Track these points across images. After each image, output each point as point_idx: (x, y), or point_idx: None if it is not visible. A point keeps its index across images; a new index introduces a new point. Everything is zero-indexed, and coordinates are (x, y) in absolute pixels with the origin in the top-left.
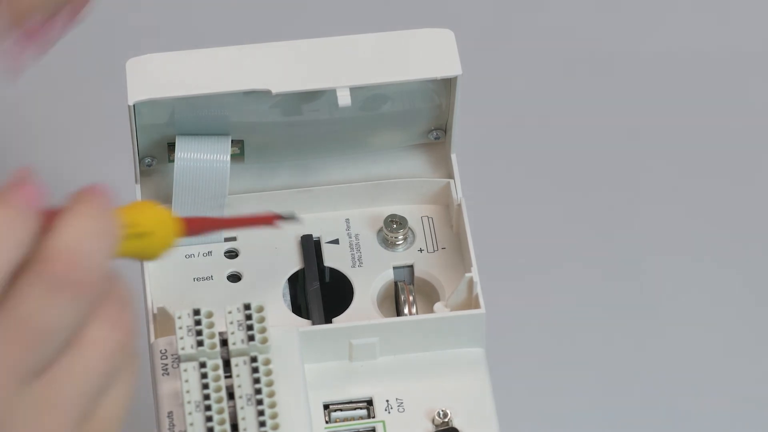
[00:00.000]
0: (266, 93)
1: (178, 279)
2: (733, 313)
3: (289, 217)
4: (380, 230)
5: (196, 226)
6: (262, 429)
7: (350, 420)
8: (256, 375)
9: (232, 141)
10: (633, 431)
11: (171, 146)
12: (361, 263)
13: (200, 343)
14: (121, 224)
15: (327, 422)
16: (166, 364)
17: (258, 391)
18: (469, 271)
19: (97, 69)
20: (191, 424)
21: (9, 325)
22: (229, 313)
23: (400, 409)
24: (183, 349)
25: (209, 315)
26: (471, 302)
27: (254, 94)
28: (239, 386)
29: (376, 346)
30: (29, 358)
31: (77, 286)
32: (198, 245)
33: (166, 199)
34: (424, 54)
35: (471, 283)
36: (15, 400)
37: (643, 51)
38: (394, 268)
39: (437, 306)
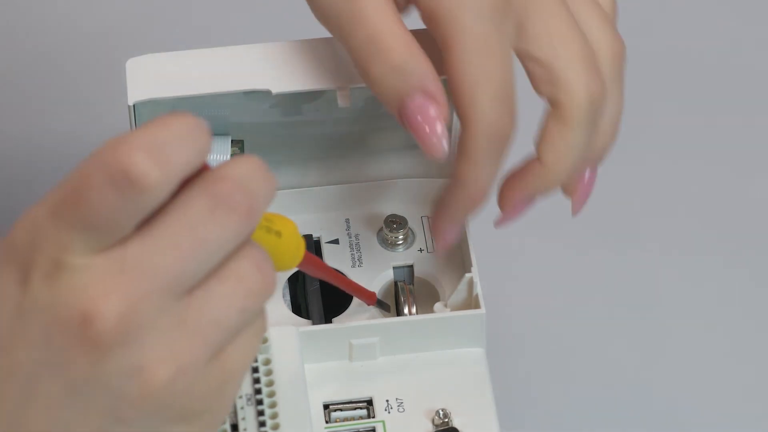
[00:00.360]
0: (266, 93)
1: None
2: (735, 314)
3: (384, 305)
4: (380, 230)
5: (311, 261)
6: (262, 429)
7: (350, 420)
8: (256, 375)
9: (232, 141)
10: (633, 431)
11: None
12: (361, 263)
13: None
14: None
15: (327, 422)
16: None
17: (258, 391)
18: (469, 271)
19: (97, 69)
20: None
21: (168, 230)
22: None
23: (400, 409)
24: None
25: None
26: (471, 302)
27: (254, 94)
28: None
29: (376, 346)
30: (182, 268)
31: (240, 209)
32: None
33: None
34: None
35: (471, 283)
36: (158, 311)
37: (643, 51)
38: (394, 268)
39: (437, 306)
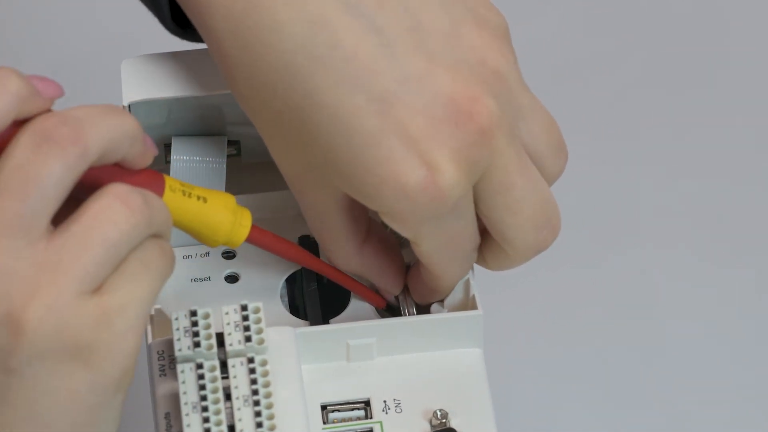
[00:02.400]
0: None
1: (176, 280)
2: (733, 316)
3: (388, 308)
4: None
5: (266, 239)
6: (259, 430)
7: (348, 421)
8: (253, 376)
9: (228, 141)
10: (631, 431)
11: (167, 147)
12: None
13: (197, 344)
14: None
15: (324, 423)
16: (164, 365)
17: (255, 392)
18: None
19: (93, 70)
20: (188, 425)
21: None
22: (227, 314)
23: (398, 410)
24: (180, 350)
25: (206, 316)
26: (468, 303)
27: None
28: (236, 387)
29: (373, 346)
30: (21, 210)
31: (64, 141)
32: (196, 246)
33: None
34: None
35: (468, 284)
36: (11, 256)
37: (640, 53)
38: None
39: (435, 307)
